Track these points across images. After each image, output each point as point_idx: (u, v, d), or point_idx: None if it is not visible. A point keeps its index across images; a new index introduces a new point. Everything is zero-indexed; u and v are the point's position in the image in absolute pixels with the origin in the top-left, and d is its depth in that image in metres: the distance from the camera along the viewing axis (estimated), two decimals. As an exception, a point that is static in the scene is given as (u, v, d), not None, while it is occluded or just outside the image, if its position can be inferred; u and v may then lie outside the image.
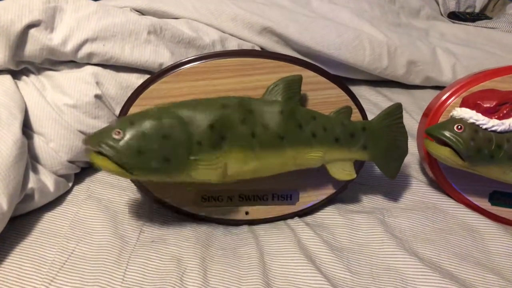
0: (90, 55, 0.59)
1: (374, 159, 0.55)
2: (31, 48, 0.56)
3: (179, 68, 0.52)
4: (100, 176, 0.63)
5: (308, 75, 0.53)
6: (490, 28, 1.05)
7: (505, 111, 0.53)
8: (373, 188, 0.64)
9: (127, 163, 0.44)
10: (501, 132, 0.53)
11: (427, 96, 0.85)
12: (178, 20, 0.71)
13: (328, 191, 0.59)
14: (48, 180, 0.55)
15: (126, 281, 0.48)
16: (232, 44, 0.74)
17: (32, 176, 0.53)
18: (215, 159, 0.47)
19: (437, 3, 1.17)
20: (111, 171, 0.45)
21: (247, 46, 0.76)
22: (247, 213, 0.58)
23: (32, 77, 0.60)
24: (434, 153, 0.55)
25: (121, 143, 0.44)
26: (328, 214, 0.59)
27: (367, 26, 0.87)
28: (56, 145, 0.57)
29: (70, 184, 0.60)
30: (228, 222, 0.58)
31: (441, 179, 0.61)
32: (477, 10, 1.23)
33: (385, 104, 0.83)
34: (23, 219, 0.54)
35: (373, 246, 0.54)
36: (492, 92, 0.55)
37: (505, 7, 1.18)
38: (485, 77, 0.59)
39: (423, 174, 0.67)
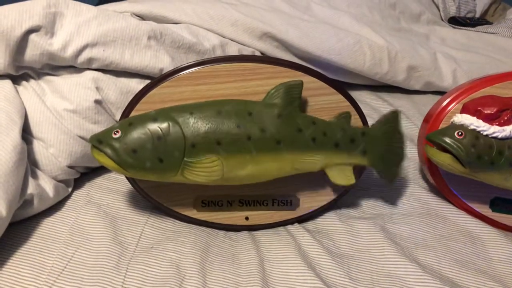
0: (90, 60, 0.59)
1: (373, 165, 0.55)
2: (31, 53, 0.56)
3: (180, 73, 0.53)
4: (100, 181, 0.62)
5: (308, 81, 0.53)
6: (491, 33, 1.05)
7: (506, 118, 0.53)
8: (374, 194, 0.64)
9: (122, 161, 0.48)
10: (502, 139, 0.53)
11: (428, 101, 0.85)
12: (178, 25, 0.71)
13: (328, 197, 0.58)
14: (47, 185, 0.55)
15: (125, 287, 0.48)
16: (233, 49, 0.74)
17: (31, 181, 0.53)
18: (210, 162, 0.49)
19: (438, 8, 1.17)
20: (109, 167, 0.49)
21: (247, 51, 0.76)
22: (247, 218, 0.57)
23: (32, 82, 0.60)
24: (435, 159, 0.55)
25: (118, 142, 0.48)
26: (328, 220, 0.59)
27: (368, 31, 0.87)
28: (55, 150, 0.57)
29: (70, 190, 0.60)
30: (228, 228, 0.58)
31: (441, 185, 0.61)
32: (477, 15, 1.23)
33: (385, 109, 0.83)
34: (22, 224, 0.54)
35: (373, 252, 0.54)
36: (493, 99, 0.55)
37: (505, 12, 1.18)
38: (485, 83, 0.58)
39: (423, 180, 0.67)
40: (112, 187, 0.61)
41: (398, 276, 0.51)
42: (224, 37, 0.74)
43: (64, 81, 0.59)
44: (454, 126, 0.54)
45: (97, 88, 0.60)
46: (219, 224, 0.57)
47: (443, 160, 0.54)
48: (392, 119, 0.56)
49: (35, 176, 0.55)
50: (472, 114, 0.54)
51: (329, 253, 0.54)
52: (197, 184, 0.52)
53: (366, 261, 0.53)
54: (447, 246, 0.55)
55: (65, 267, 0.49)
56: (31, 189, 0.52)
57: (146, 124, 0.48)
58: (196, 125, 0.48)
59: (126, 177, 0.56)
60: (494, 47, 0.99)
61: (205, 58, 0.54)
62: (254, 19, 0.76)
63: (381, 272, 0.52)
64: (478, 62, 0.92)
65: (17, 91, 0.57)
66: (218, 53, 0.72)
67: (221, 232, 0.57)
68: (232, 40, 0.75)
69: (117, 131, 0.48)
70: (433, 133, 0.55)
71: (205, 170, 0.49)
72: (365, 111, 0.58)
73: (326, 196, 0.58)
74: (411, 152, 0.69)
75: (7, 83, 0.57)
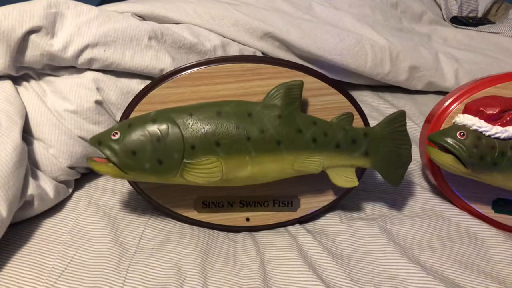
0: (90, 60, 0.59)
1: (376, 166, 0.55)
2: (32, 53, 0.56)
3: (180, 74, 0.53)
4: (101, 182, 0.62)
5: (309, 81, 0.53)
6: (493, 32, 1.04)
7: (508, 118, 0.53)
8: (375, 195, 0.63)
9: (121, 163, 0.47)
10: (504, 139, 0.52)
11: (430, 102, 0.85)
12: (179, 25, 0.71)
13: (330, 197, 0.58)
14: (48, 186, 0.55)
15: (125, 288, 0.48)
16: (234, 49, 0.74)
17: (31, 182, 0.53)
18: (209, 163, 0.48)
19: (440, 7, 1.17)
20: (109, 174, 0.48)
21: (248, 51, 0.76)
22: (247, 219, 0.57)
23: (33, 82, 0.60)
24: (437, 160, 0.54)
25: (117, 143, 0.47)
26: (330, 221, 0.59)
27: (369, 31, 0.87)
28: (56, 151, 0.57)
29: (70, 190, 0.59)
30: (228, 229, 0.58)
31: (443, 186, 0.60)
32: (479, 14, 1.22)
33: (387, 109, 0.83)
34: (23, 225, 0.54)
35: (375, 253, 0.54)
36: (495, 99, 0.55)
37: (508, 12, 1.18)
38: (488, 83, 0.58)
39: (425, 180, 0.66)
40: (113, 188, 0.61)
41: (400, 277, 0.51)
42: (225, 37, 0.74)
43: (65, 82, 0.59)
44: (456, 127, 0.54)
45: (98, 89, 0.59)
46: (220, 225, 0.57)
47: (445, 160, 0.53)
48: (397, 120, 0.55)
49: (35, 177, 0.54)
50: (474, 115, 0.54)
51: (330, 254, 0.53)
52: (197, 185, 0.51)
53: (367, 262, 0.53)
54: (449, 247, 0.55)
55: (66, 268, 0.49)
56: (31, 190, 0.52)
57: (145, 126, 0.48)
58: (195, 126, 0.48)
59: (127, 178, 0.55)
60: (496, 47, 0.98)
61: (206, 59, 0.54)
62: (255, 19, 0.76)
63: (382, 273, 0.51)
64: (480, 62, 0.92)
65: (17, 91, 0.57)
66: (219, 53, 0.71)
67: (222, 233, 0.57)
68: (233, 40, 0.74)
69: (116, 133, 0.48)
70: (435, 134, 0.54)
71: (205, 172, 0.49)
72: (366, 111, 0.57)
73: (327, 197, 0.58)
74: (413, 152, 0.69)
75: (8, 83, 0.57)
